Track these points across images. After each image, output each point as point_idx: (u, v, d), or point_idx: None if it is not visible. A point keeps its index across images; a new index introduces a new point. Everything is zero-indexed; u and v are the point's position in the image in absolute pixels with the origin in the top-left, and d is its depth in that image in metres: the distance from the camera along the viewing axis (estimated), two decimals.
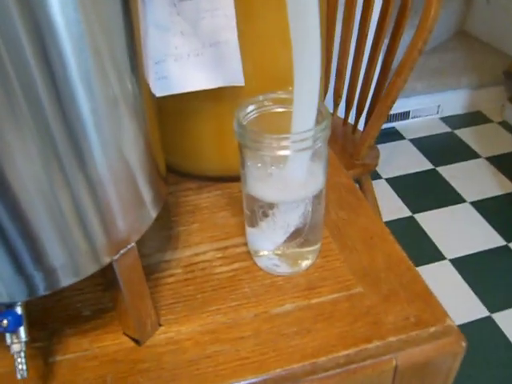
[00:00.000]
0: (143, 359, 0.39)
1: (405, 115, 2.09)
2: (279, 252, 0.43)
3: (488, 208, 1.62)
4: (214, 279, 0.45)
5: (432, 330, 0.39)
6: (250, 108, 0.39)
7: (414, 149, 1.96)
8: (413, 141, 2.01)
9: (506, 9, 2.10)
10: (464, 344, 0.41)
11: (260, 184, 0.39)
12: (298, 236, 0.41)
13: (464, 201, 1.65)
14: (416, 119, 2.11)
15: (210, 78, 0.45)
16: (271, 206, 0.39)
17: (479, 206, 1.63)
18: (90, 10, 0.26)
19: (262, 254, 0.44)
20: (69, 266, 0.32)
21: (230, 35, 0.43)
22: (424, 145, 1.97)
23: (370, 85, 1.15)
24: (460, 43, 2.26)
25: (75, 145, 0.28)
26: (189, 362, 0.38)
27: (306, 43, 0.32)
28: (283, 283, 0.44)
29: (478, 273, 1.40)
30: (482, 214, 1.60)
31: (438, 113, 2.12)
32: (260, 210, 0.40)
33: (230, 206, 0.53)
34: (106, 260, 0.33)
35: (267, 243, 0.42)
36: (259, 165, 0.38)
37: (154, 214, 0.36)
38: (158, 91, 0.44)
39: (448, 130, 2.05)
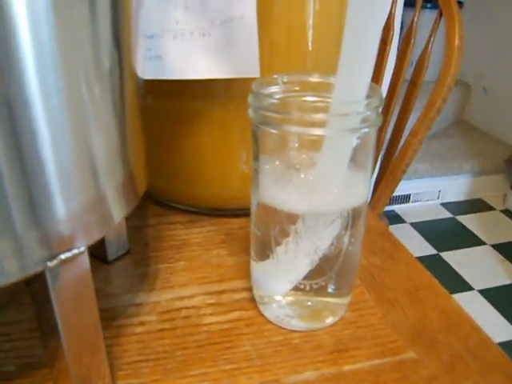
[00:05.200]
0: None
1: (405, 198, 2.02)
2: (294, 298, 0.31)
3: (497, 297, 1.49)
4: (201, 332, 0.31)
5: None
6: (270, 90, 0.29)
7: (416, 233, 1.86)
8: (414, 225, 1.91)
9: (503, 98, 2.12)
10: None
11: (279, 186, 0.27)
12: (327, 271, 0.29)
13: (472, 288, 1.52)
14: (416, 203, 2.04)
15: (216, 65, 0.35)
16: (294, 219, 0.27)
17: (488, 294, 1.50)
18: None
19: (272, 299, 0.32)
20: None
21: (248, 9, 0.34)
22: (426, 229, 1.87)
23: (380, 151, 1.07)
24: (459, 131, 2.25)
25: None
26: None
27: None
28: (301, 342, 0.31)
29: None
30: (491, 302, 1.46)
31: (438, 198, 2.05)
32: (277, 227, 0.28)
33: (227, 244, 0.41)
34: (36, 265, 0.20)
35: (282, 280, 0.30)
36: (279, 157, 0.27)
37: (117, 214, 0.24)
38: (148, 73, 0.34)
39: (449, 215, 1.97)
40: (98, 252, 0.38)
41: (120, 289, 0.35)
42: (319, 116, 0.24)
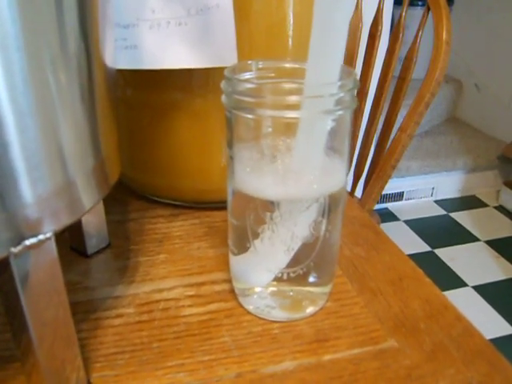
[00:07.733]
0: None
1: (398, 196, 2.02)
2: (276, 289, 0.30)
3: (492, 293, 1.49)
4: (179, 323, 0.31)
5: None
6: (245, 76, 0.29)
7: (410, 230, 1.85)
8: (407, 222, 1.91)
9: (495, 95, 2.12)
10: None
11: (254, 173, 0.27)
12: (305, 259, 0.29)
13: (466, 285, 1.52)
14: (410, 201, 2.03)
15: (193, 55, 0.35)
16: (270, 207, 0.27)
17: (482, 290, 1.50)
18: None
19: (252, 291, 0.31)
20: None
21: None
22: (419, 227, 1.87)
23: (370, 147, 1.06)
24: (452, 128, 2.25)
25: None
26: None
27: None
28: (280, 332, 0.30)
29: None
30: (485, 298, 1.46)
31: (432, 195, 2.05)
32: (252, 215, 0.27)
33: (209, 237, 0.40)
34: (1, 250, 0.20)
35: (262, 271, 0.30)
36: (253, 143, 0.26)
37: (87, 201, 0.24)
38: (124, 62, 0.33)
39: (443, 212, 1.97)
40: (77, 245, 0.38)
41: (99, 282, 0.35)
42: (293, 98, 0.24)
